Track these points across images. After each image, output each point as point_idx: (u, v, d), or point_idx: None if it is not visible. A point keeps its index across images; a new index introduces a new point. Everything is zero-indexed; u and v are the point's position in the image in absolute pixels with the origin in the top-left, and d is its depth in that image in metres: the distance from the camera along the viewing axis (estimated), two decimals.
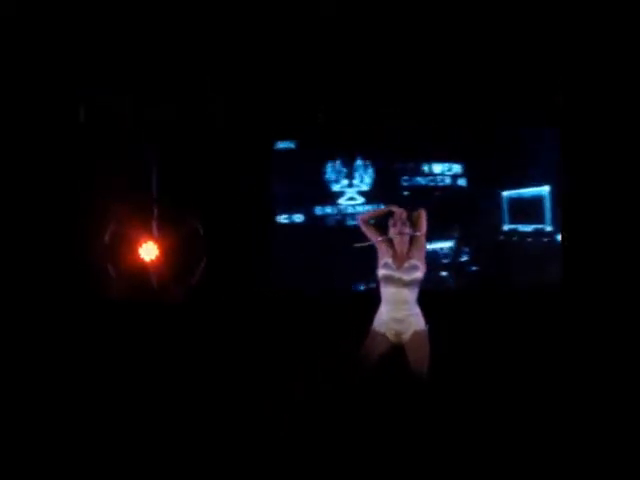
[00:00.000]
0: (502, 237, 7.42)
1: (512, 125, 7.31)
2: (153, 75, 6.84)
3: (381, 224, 5.03)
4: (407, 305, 4.79)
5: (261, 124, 7.28)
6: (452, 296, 7.28)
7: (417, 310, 4.84)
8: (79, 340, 6.22)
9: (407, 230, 4.85)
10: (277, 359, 5.87)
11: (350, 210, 7.45)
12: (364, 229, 5.03)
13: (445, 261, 7.47)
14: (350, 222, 7.41)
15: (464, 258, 7.48)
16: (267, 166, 7.42)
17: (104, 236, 6.80)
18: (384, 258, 4.85)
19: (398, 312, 4.78)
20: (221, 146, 7.13)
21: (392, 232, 4.87)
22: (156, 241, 6.92)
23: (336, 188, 7.47)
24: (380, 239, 4.90)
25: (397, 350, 4.85)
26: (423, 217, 4.91)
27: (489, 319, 6.85)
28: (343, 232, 7.28)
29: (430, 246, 7.31)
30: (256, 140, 7.30)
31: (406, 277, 4.77)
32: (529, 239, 7.38)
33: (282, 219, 7.38)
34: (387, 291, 4.83)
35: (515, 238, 7.39)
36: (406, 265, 4.79)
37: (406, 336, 4.79)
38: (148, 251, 6.88)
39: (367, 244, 5.05)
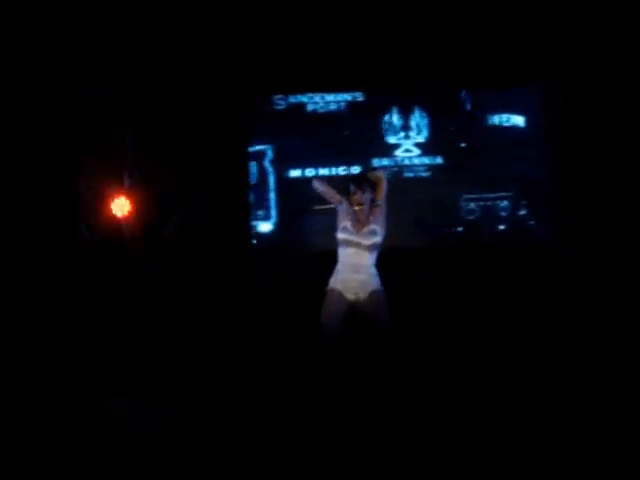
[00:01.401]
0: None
1: None
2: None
3: (341, 187, 4.92)
4: (365, 267, 4.74)
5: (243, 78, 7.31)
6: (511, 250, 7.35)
7: (374, 271, 4.77)
8: (57, 298, 6.30)
9: (367, 197, 4.75)
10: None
11: (407, 162, 7.52)
12: (321, 190, 4.90)
13: (503, 214, 7.51)
14: (407, 174, 7.52)
15: (522, 212, 7.52)
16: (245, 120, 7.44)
17: (76, 190, 6.74)
18: (343, 221, 4.77)
19: (356, 273, 4.73)
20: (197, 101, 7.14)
21: (352, 201, 4.76)
22: (128, 196, 6.78)
23: (392, 140, 7.54)
24: (338, 204, 4.82)
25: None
26: (382, 182, 4.81)
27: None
28: (400, 183, 7.35)
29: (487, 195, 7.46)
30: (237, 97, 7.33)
31: (365, 242, 4.71)
32: None
33: (340, 171, 7.49)
34: (345, 253, 4.76)
35: None
36: (365, 230, 4.73)
37: (363, 295, 4.73)
38: (120, 206, 6.75)
39: (327, 207, 5.00)
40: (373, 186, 4.78)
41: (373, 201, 4.76)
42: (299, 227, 7.42)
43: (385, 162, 7.49)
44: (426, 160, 7.52)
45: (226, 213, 7.32)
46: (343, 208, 4.78)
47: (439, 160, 7.52)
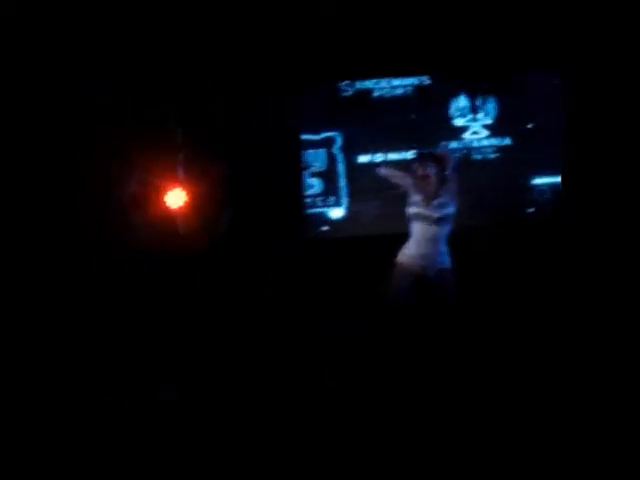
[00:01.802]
0: None
1: None
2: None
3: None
4: (435, 243, 4.77)
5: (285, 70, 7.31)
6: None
7: (444, 248, 4.81)
8: (105, 290, 6.31)
9: (432, 171, 4.79)
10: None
11: (475, 144, 7.56)
12: (386, 174, 5.05)
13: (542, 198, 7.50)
14: (475, 156, 7.54)
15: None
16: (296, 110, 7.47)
17: (129, 184, 6.67)
18: (413, 196, 4.83)
19: (425, 248, 4.76)
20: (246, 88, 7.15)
21: (417, 176, 4.83)
22: (183, 188, 6.70)
23: (460, 123, 7.57)
24: (406, 181, 4.91)
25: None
26: (448, 156, 4.89)
27: None
28: (469, 166, 7.42)
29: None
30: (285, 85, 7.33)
31: (435, 214, 4.74)
32: None
33: (409, 155, 7.55)
34: (416, 228, 4.80)
35: None
36: (435, 202, 4.76)
37: (431, 271, 4.77)
38: (175, 198, 6.63)
39: (400, 190, 5.05)
40: (438, 161, 4.84)
41: (440, 175, 4.81)
42: (370, 212, 7.54)
43: (453, 145, 7.53)
44: (494, 142, 7.53)
45: (280, 202, 7.44)
46: (410, 184, 4.86)
47: (507, 141, 7.52)
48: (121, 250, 6.49)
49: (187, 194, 6.68)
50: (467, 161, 7.49)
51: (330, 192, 7.69)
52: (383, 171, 5.11)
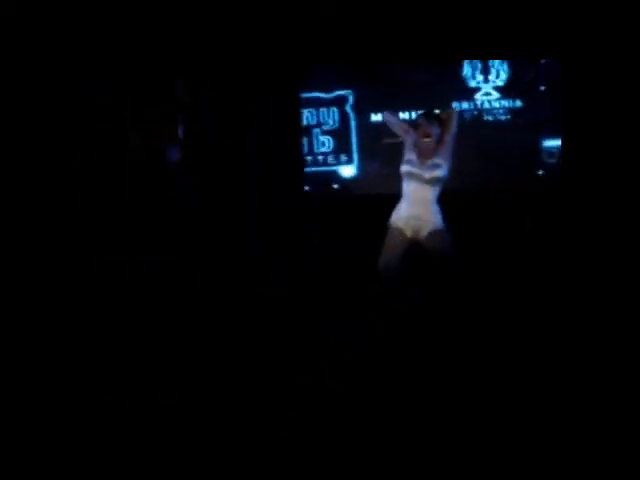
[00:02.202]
0: None
1: None
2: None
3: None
4: (427, 203, 4.77)
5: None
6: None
7: (436, 208, 4.80)
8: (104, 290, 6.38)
9: (435, 131, 4.81)
10: None
11: (486, 105, 7.61)
12: (391, 121, 5.06)
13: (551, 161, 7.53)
14: (486, 117, 7.60)
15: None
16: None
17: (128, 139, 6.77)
18: (408, 154, 4.84)
19: (417, 209, 4.76)
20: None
21: (419, 133, 4.84)
22: (181, 145, 6.86)
23: (472, 84, 7.62)
24: (406, 135, 4.92)
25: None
26: (452, 118, 4.86)
27: None
28: (480, 127, 7.51)
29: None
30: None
31: (427, 174, 4.74)
32: None
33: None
34: (408, 187, 4.81)
35: None
36: (429, 163, 4.77)
37: (424, 233, 4.76)
38: (174, 154, 6.86)
39: (396, 140, 5.12)
40: (442, 123, 4.86)
41: (440, 137, 4.82)
42: (381, 170, 7.64)
43: (465, 106, 7.59)
44: (505, 103, 7.59)
45: (280, 161, 7.60)
46: (410, 139, 4.87)
47: (518, 103, 7.58)
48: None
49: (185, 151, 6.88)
50: (478, 122, 7.55)
51: (342, 150, 7.77)
52: (387, 116, 5.13)
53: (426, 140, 4.81)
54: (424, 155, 4.82)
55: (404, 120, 5.19)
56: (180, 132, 7.01)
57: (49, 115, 6.55)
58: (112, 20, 6.63)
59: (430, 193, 4.78)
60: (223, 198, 7.26)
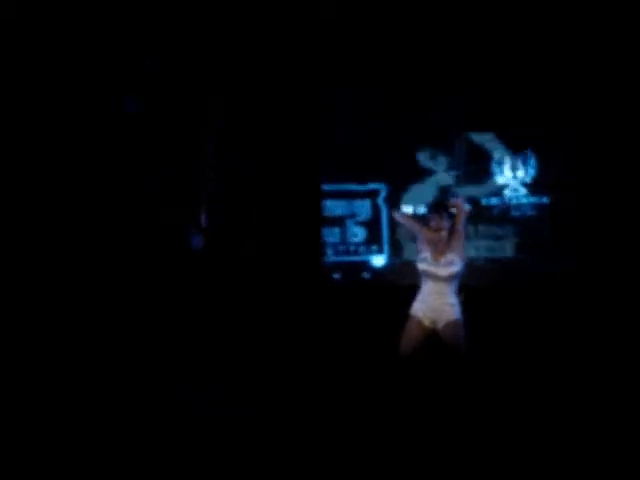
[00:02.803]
0: None
1: None
2: None
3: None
4: (444, 296, 4.82)
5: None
6: None
7: (453, 301, 4.84)
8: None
9: (445, 224, 4.82)
10: None
11: (514, 201, 7.87)
12: (402, 220, 5.20)
13: None
14: (515, 213, 7.86)
15: None
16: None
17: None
18: (423, 252, 4.88)
19: (434, 302, 4.82)
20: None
21: (430, 227, 4.85)
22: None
23: (501, 180, 7.91)
24: (419, 233, 4.94)
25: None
26: (461, 208, 4.89)
27: None
28: (508, 221, 7.78)
29: None
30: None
31: (443, 272, 4.80)
32: None
33: None
34: (425, 282, 4.88)
35: None
36: (443, 260, 4.79)
37: (440, 324, 4.81)
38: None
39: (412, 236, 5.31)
40: (451, 215, 4.85)
41: (452, 228, 4.82)
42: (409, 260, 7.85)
43: (493, 200, 7.88)
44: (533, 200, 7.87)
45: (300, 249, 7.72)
46: (422, 237, 4.89)
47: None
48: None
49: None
50: (506, 217, 7.83)
51: (373, 240, 8.04)
52: (398, 216, 5.27)
53: (436, 233, 4.84)
54: (438, 251, 4.85)
55: (414, 216, 5.27)
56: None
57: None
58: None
59: (446, 288, 4.84)
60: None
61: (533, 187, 7.87)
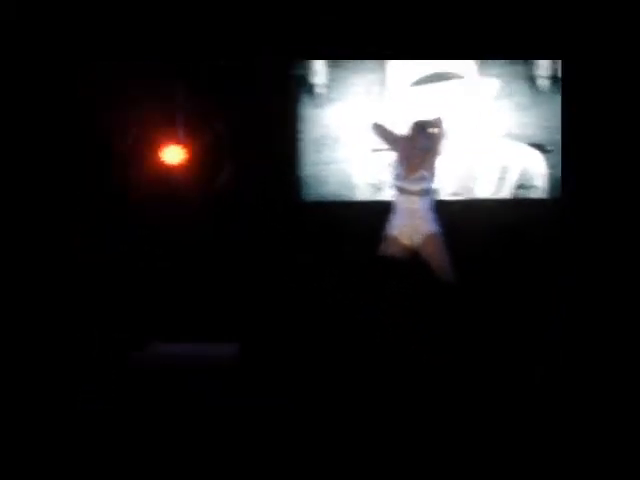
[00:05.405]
0: None
1: None
2: None
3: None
4: (417, 212, 4.88)
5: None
6: None
7: (429, 215, 4.89)
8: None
9: (423, 143, 4.90)
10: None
11: None
12: (378, 132, 5.17)
13: None
14: None
15: None
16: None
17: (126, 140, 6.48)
18: (397, 168, 4.95)
19: (409, 218, 4.88)
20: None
21: (409, 143, 4.93)
22: (182, 145, 6.36)
23: None
24: (395, 145, 5.02)
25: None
26: (441, 129, 4.95)
27: None
28: None
29: None
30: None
31: (414, 187, 4.85)
32: None
33: None
34: (399, 199, 4.94)
35: None
36: (416, 175, 4.86)
37: (418, 238, 4.86)
38: (172, 155, 6.32)
39: (384, 149, 5.22)
40: (431, 136, 4.94)
41: (428, 149, 4.91)
42: None
43: None
44: None
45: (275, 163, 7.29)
46: (398, 150, 5.00)
47: None
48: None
49: (185, 151, 6.43)
50: None
51: None
52: (375, 128, 5.26)
53: (413, 151, 4.91)
54: (411, 167, 4.93)
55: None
56: None
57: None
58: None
59: (421, 202, 4.91)
60: None
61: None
